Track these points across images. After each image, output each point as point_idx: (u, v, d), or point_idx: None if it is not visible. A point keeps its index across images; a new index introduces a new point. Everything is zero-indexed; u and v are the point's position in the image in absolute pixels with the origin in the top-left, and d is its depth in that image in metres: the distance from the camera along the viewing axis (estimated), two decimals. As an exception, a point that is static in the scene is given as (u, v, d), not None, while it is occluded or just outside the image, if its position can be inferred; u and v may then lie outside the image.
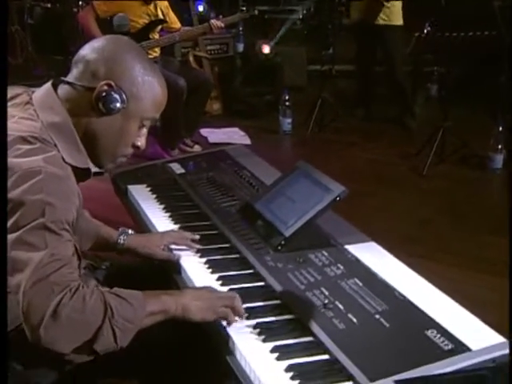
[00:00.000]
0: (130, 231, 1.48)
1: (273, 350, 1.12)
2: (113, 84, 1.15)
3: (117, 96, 1.14)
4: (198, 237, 1.51)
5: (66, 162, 1.13)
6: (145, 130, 1.23)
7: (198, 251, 1.48)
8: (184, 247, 1.48)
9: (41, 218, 1.02)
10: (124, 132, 1.18)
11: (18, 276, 0.99)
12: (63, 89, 1.18)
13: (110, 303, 1.03)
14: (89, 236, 1.45)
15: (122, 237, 1.45)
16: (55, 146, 1.12)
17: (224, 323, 1.18)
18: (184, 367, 1.30)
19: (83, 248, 1.42)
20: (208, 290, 1.22)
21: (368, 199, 3.04)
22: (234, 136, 4.09)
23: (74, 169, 1.15)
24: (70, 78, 1.18)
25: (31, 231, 1.01)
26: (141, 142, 1.22)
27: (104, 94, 1.14)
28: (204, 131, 4.18)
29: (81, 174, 1.18)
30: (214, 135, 4.12)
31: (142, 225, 1.67)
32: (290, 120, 4.26)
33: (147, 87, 1.18)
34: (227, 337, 1.17)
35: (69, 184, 1.11)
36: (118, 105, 1.15)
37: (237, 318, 1.19)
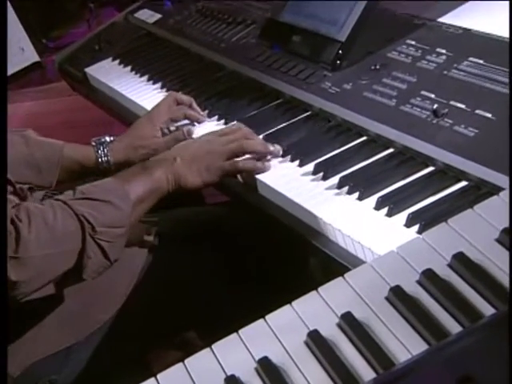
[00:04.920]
0: (107, 138, 1.45)
1: (378, 206, 1.09)
2: None
3: None
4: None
5: None
6: None
7: (220, 117, 1.46)
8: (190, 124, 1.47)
9: None
10: None
11: None
12: None
13: (84, 214, 1.06)
14: (49, 165, 1.41)
15: (101, 151, 1.43)
16: None
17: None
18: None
19: (46, 185, 1.39)
20: (206, 138, 1.28)
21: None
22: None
23: None
24: None
25: None
26: None
27: None
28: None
29: None
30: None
31: (127, 119, 1.65)
32: None
33: None
34: (306, 213, 1.14)
35: None
36: None
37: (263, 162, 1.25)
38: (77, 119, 2.56)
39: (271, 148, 1.27)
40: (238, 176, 1.28)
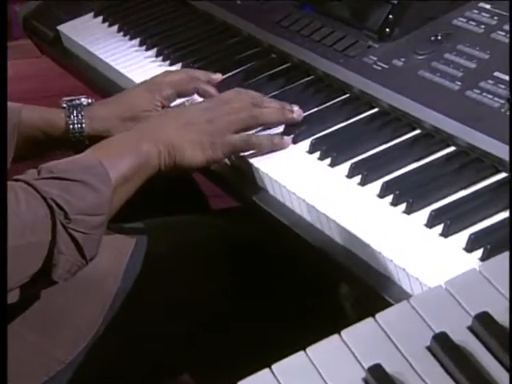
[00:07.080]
0: (83, 100, 1.46)
1: (431, 222, 1.10)
2: None
3: None
4: (218, 75, 1.52)
5: None
6: None
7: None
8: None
9: None
10: None
11: None
12: None
13: (53, 197, 1.06)
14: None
15: (74, 116, 1.44)
16: None
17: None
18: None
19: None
20: (202, 105, 1.34)
21: None
22: None
23: None
24: None
25: None
26: None
27: None
28: None
29: None
30: None
31: (111, 94, 1.66)
32: None
33: None
34: (338, 228, 1.16)
35: None
36: None
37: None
38: (51, 86, 2.58)
39: (290, 115, 1.31)
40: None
